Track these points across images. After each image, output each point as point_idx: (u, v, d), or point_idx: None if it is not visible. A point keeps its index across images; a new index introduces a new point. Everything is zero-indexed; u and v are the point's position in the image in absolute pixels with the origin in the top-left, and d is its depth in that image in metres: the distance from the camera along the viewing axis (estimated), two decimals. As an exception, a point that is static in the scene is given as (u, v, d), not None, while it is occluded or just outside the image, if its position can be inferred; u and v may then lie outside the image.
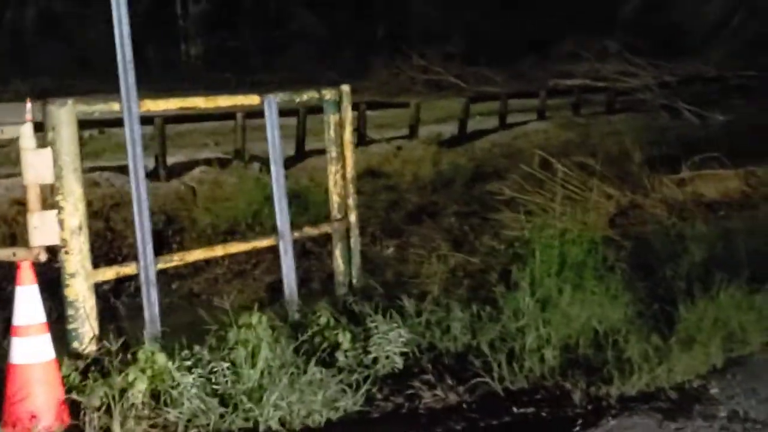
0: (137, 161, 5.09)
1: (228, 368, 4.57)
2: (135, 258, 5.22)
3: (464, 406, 4.51)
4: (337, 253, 6.19)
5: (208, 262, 13.88)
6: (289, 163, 17.29)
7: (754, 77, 23.60)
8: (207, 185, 15.10)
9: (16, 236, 12.65)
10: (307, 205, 16.17)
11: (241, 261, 14.14)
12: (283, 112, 5.60)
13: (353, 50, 35.34)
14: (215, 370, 4.58)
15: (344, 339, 5.05)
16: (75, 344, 4.86)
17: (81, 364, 4.75)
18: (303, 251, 9.60)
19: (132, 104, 5.03)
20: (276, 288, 6.74)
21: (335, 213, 6.18)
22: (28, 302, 4.29)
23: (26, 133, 4.71)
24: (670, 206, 9.80)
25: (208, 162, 15.14)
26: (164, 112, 5.08)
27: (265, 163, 16.91)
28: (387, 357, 4.99)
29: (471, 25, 31.95)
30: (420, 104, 20.36)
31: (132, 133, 5.05)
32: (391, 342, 4.98)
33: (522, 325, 5.05)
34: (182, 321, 5.76)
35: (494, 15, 32.08)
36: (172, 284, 13.47)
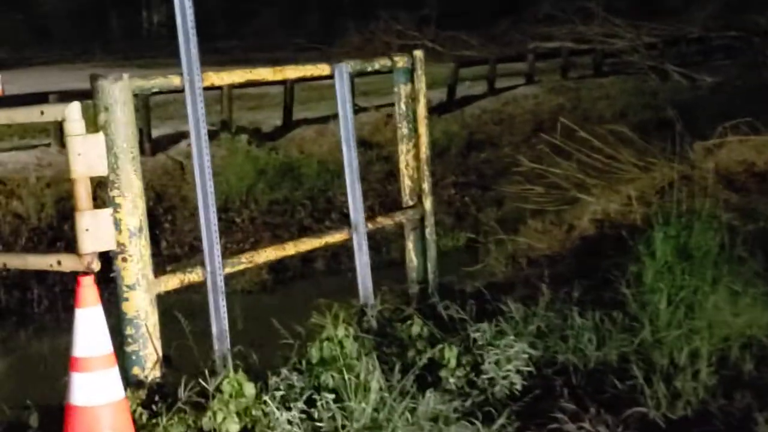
0: (203, 148, 4.22)
1: (333, 400, 3.76)
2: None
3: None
4: (410, 245, 5.38)
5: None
6: (276, 133, 16.42)
7: (736, 38, 23.08)
8: (194, 159, 14.19)
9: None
10: (301, 178, 15.35)
11: (239, 240, 13.30)
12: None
13: (320, 15, 34.28)
14: (316, 402, 3.78)
15: (450, 355, 4.25)
16: (135, 370, 4.02)
17: (144, 394, 3.92)
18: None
19: (195, 78, 4.16)
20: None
21: (407, 199, 5.36)
22: (91, 328, 3.43)
23: (73, 115, 3.83)
24: (723, 177, 9.03)
25: (194, 134, 14.24)
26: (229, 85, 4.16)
27: (252, 134, 16.09)
28: (504, 376, 4.20)
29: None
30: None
31: (196, 113, 4.19)
32: (510, 359, 4.18)
33: (663, 335, 4.28)
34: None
35: (467, -24, 31.20)
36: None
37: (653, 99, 19.71)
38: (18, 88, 18.00)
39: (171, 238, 12.82)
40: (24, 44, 30.35)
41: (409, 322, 4.57)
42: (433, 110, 18.62)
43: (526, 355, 4.21)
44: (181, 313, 4.56)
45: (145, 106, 14.67)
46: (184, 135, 14.41)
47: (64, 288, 11.10)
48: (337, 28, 28.93)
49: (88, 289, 3.45)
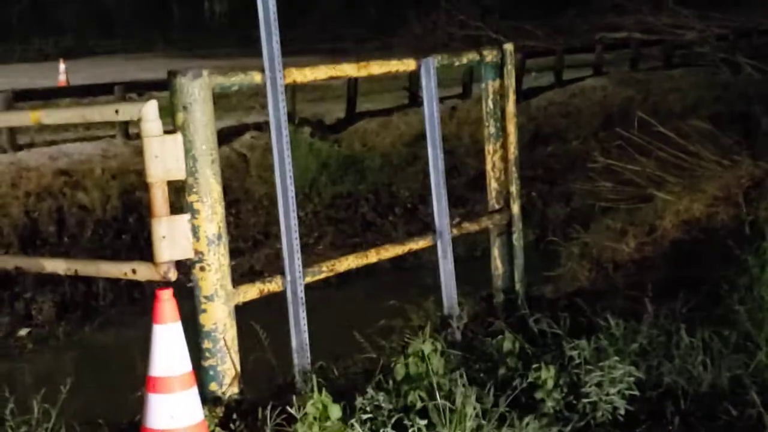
0: (284, 151, 3.96)
1: (426, 426, 3.48)
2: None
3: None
4: (495, 251, 5.06)
5: (267, 236, 12.90)
6: (339, 126, 16.17)
7: (810, 30, 22.28)
8: (258, 151, 13.98)
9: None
10: (364, 172, 15.09)
11: (302, 234, 13.09)
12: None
13: (379, 4, 33.96)
14: (407, 428, 3.50)
15: (548, 375, 3.93)
16: (213, 386, 3.78)
17: (222, 411, 3.68)
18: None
19: (277, 75, 3.90)
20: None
21: (493, 203, 5.05)
22: (170, 346, 3.18)
23: (150, 115, 3.58)
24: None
25: (258, 126, 14.03)
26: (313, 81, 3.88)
27: (314, 127, 15.87)
28: (607, 400, 3.88)
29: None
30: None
31: (277, 112, 3.93)
32: (614, 381, 3.85)
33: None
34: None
35: (530, -34, 30.63)
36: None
37: (725, 92, 19.11)
38: (82, 78, 18.02)
39: (235, 232, 12.64)
40: (87, 34, 30.54)
41: (499, 336, 4.26)
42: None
43: (632, 378, 3.87)
44: (256, 322, 4.33)
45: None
46: (248, 127, 14.26)
47: (130, 281, 11.02)
48: (397, 18, 28.60)
49: (167, 304, 3.20)
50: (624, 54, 22.17)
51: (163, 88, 15.79)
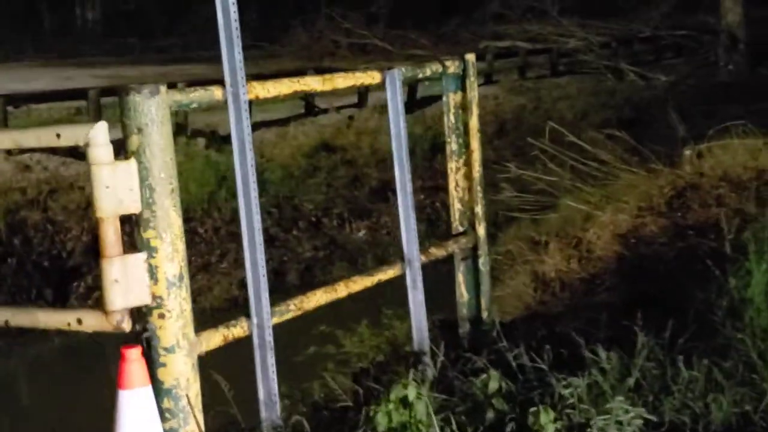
0: (249, 176, 3.48)
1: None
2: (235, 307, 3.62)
3: None
4: (460, 277, 4.67)
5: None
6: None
7: (686, 36, 22.87)
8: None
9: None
10: (264, 184, 14.54)
11: (203, 252, 12.47)
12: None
13: (260, 12, 33.36)
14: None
15: (547, 420, 3.56)
16: (175, 452, 3.26)
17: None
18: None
19: (240, 90, 3.41)
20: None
21: (457, 225, 4.66)
22: (140, 415, 2.67)
23: (98, 139, 3.05)
24: (736, 185, 8.43)
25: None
26: (275, 96, 3.40)
27: (209, 138, 15.23)
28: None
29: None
30: (368, 68, 18.79)
31: (241, 132, 3.44)
32: (624, 423, 3.51)
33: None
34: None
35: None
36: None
37: (611, 98, 19.36)
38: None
39: (130, 250, 11.93)
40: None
41: (482, 375, 3.87)
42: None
43: (639, 420, 3.53)
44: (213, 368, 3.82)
45: (96, 107, 13.77)
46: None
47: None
48: (279, 25, 28.09)
49: (135, 365, 2.69)
50: (512, 62, 22.27)
51: (43, 100, 14.89)
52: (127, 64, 25.57)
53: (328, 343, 5.89)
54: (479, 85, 17.27)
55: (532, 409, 3.59)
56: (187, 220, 12.99)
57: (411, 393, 3.60)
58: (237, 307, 10.70)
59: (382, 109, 18.28)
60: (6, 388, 9.25)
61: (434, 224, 12.85)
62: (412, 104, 18.18)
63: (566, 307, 5.59)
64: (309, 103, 16.96)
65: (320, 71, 18.38)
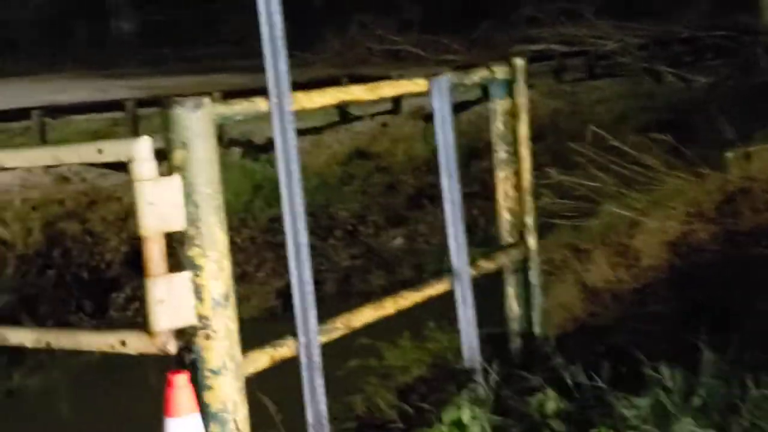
0: (294, 189, 3.36)
1: None
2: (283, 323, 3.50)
3: None
4: (510, 290, 4.52)
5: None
6: (269, 145, 15.48)
7: (725, 37, 22.53)
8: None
9: None
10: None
11: (240, 262, 12.37)
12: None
13: (291, 20, 33.21)
14: None
15: (610, 442, 3.40)
16: (223, 480, 3.13)
17: None
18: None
19: (284, 101, 3.29)
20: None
21: (506, 236, 4.51)
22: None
23: (142, 154, 2.94)
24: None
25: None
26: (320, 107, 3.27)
27: (245, 147, 15.18)
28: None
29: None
30: (403, 75, 18.69)
31: (286, 144, 3.32)
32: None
33: None
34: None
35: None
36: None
37: (650, 101, 19.08)
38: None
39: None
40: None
41: (538, 394, 3.72)
42: (428, 117, 17.87)
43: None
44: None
45: (133, 116, 13.76)
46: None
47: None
48: (310, 34, 28.04)
49: (183, 392, 2.57)
50: (547, 66, 22.03)
51: (80, 111, 14.93)
52: (162, 74, 25.65)
53: (370, 356, 5.76)
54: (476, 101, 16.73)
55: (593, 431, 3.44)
56: (224, 229, 13.01)
57: (465, 415, 3.46)
58: (274, 317, 10.61)
59: (417, 115, 18.19)
60: (48, 401, 9.23)
61: (470, 232, 12.69)
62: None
63: (617, 320, 5.41)
64: (343, 111, 16.87)
65: (354, 79, 18.31)
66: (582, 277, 6.92)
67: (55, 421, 8.63)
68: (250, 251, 12.36)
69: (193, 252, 3.07)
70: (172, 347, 3.03)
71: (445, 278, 4.07)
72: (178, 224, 3.03)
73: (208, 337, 3.10)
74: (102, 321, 10.37)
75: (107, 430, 7.75)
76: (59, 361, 9.24)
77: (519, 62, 4.43)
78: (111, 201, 12.17)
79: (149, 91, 19.00)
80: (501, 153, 4.47)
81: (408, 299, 3.87)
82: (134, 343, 3.04)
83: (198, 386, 3.12)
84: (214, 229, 3.08)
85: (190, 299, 3.06)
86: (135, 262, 11.65)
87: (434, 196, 14.95)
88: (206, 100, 3.04)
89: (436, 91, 4.00)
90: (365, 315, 3.68)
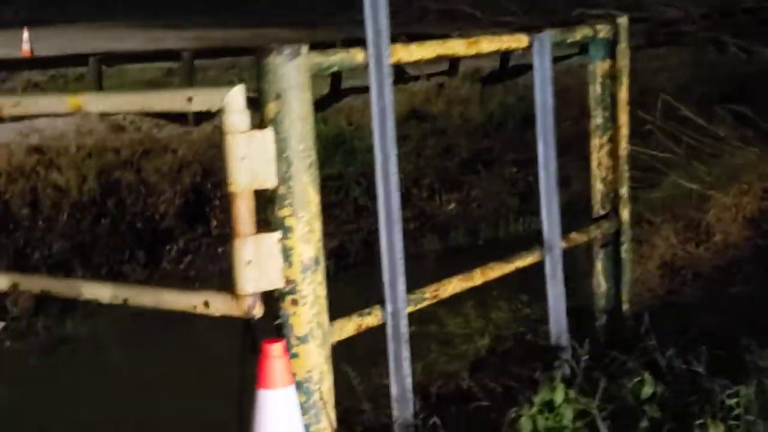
0: (389, 149, 3.15)
1: None
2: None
3: None
4: (599, 264, 4.29)
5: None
6: (324, 102, 15.26)
7: (790, 8, 21.83)
8: (243, 130, 13.06)
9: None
10: (353, 153, 14.21)
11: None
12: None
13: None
14: None
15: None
16: (305, 451, 2.96)
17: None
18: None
19: (383, 53, 3.08)
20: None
21: (598, 207, 4.27)
22: (285, 419, 2.37)
23: (235, 104, 2.74)
24: None
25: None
26: (417, 61, 3.05)
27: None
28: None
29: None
30: (462, 35, 18.32)
31: (382, 99, 3.11)
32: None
33: None
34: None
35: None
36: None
37: (713, 72, 18.56)
38: (45, 49, 16.86)
39: (221, 217, 11.76)
40: (44, 3, 29.17)
41: (636, 378, 3.49)
42: (487, 80, 17.53)
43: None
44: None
45: (188, 69, 13.60)
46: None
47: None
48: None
49: (278, 362, 2.39)
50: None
51: (136, 60, 14.74)
52: (215, 26, 25.48)
53: (431, 323, 5.57)
54: (573, 55, 16.42)
55: (699, 422, 3.22)
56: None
57: (559, 396, 3.25)
58: (326, 277, 10.43)
59: (474, 77, 17.82)
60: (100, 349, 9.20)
61: (526, 199, 12.40)
62: (503, 73, 17.72)
63: (701, 299, 5.16)
64: (400, 70, 16.59)
65: (412, 37, 17.97)
66: (656, 252, 6.67)
67: (106, 369, 8.58)
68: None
69: (283, 212, 2.87)
70: (258, 311, 2.85)
71: (536, 250, 3.85)
72: (269, 182, 2.84)
73: (295, 302, 2.91)
74: (155, 273, 10.27)
75: (157, 379, 7.68)
76: (113, 308, 9.17)
77: (623, 21, 4.16)
78: (166, 152, 12.04)
79: (201, 42, 18.84)
80: (597, 118, 4.22)
81: (496, 270, 3.66)
82: (218, 305, 2.86)
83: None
84: (307, 188, 2.88)
85: (278, 262, 2.87)
86: (189, 215, 11.55)
87: (489, 161, 14.68)
88: (304, 48, 2.83)
89: (537, 49, 3.76)
90: (453, 285, 3.48)
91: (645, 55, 21.15)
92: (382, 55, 3.07)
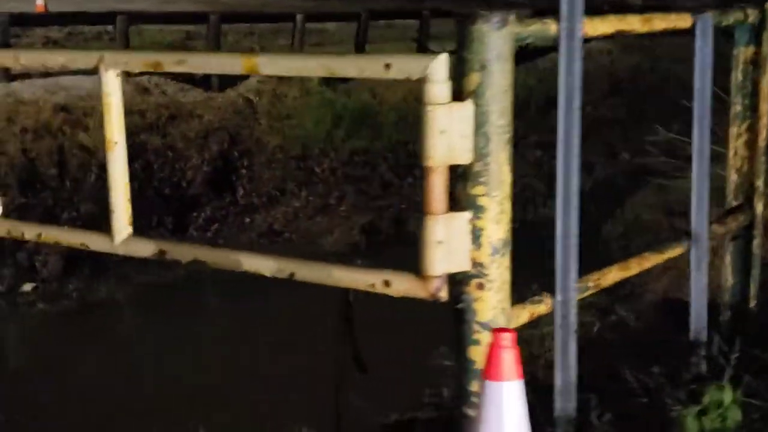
0: (573, 126, 2.97)
1: None
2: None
3: None
4: (727, 257, 4.13)
5: (282, 192, 11.77)
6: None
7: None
8: (266, 98, 12.83)
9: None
10: (379, 128, 13.96)
11: (321, 193, 12.00)
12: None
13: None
14: None
15: None
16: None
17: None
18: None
19: (576, 25, 2.89)
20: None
21: (731, 198, 4.11)
22: (510, 417, 2.20)
23: (438, 74, 2.55)
24: None
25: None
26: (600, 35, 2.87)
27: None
28: None
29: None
30: (518, 11, 18.17)
31: (571, 74, 2.92)
32: None
33: None
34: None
35: None
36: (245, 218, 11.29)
37: (728, 63, 18.45)
38: (58, 5, 16.48)
39: (248, 186, 11.55)
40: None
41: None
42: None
43: None
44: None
45: (215, 33, 13.32)
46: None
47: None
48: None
49: (508, 353, 2.21)
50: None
51: (161, 21, 14.33)
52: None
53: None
54: (592, 39, 16.33)
55: None
56: (303, 158, 12.56)
57: (727, 397, 3.10)
58: (357, 253, 10.23)
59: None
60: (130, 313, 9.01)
61: (553, 182, 12.27)
62: (524, 54, 17.50)
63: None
64: (421, 45, 16.36)
65: (435, 13, 17.71)
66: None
67: (135, 334, 8.41)
68: (331, 183, 11.98)
69: (476, 190, 2.68)
70: (444, 294, 2.67)
71: (683, 240, 3.68)
72: (465, 157, 2.65)
73: (481, 286, 2.73)
74: (183, 241, 10.06)
75: (185, 344, 7.54)
76: (146, 272, 8.96)
77: (770, 7, 3.98)
78: (192, 118, 11.79)
79: (214, 6, 18.46)
80: (737, 106, 4.05)
81: (650, 260, 3.50)
82: (401, 285, 2.68)
83: (462, 339, 2.78)
84: (503, 166, 2.70)
85: (466, 243, 2.69)
86: (216, 183, 11.32)
87: (513, 144, 14.57)
88: (512, 17, 2.64)
89: (700, 30, 3.58)
90: (613, 275, 3.31)
91: (665, 43, 20.99)
92: (575, 27, 2.88)
